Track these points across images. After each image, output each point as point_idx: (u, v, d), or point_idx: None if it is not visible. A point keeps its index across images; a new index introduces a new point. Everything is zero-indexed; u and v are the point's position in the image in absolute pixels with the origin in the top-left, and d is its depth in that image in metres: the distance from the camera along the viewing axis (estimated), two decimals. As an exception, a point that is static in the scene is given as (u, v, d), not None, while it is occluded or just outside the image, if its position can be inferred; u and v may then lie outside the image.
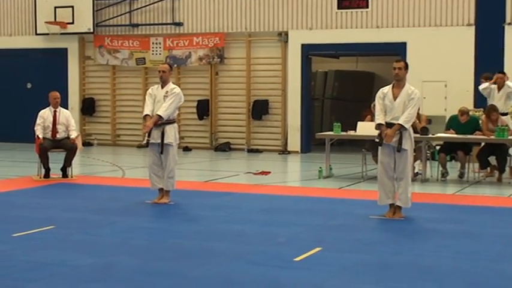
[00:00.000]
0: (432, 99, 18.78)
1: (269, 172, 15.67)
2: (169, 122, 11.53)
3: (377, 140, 10.47)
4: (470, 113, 15.62)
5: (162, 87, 11.60)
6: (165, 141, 11.44)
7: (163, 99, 11.46)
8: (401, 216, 10.36)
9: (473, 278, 7.32)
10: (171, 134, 11.50)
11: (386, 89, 10.42)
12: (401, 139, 10.23)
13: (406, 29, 19.43)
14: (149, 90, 11.81)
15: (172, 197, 11.76)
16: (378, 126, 10.36)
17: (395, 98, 10.27)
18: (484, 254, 8.23)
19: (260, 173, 15.63)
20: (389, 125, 10.28)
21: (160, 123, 11.42)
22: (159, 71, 11.72)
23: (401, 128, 10.20)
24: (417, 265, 7.73)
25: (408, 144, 10.29)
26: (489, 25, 18.74)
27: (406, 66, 10.40)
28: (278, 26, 20.72)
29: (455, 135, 14.66)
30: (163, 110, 11.37)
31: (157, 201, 11.59)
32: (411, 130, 10.42)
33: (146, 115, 11.56)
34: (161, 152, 11.46)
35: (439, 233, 9.47)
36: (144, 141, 11.78)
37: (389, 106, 10.30)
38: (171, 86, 11.64)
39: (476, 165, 15.03)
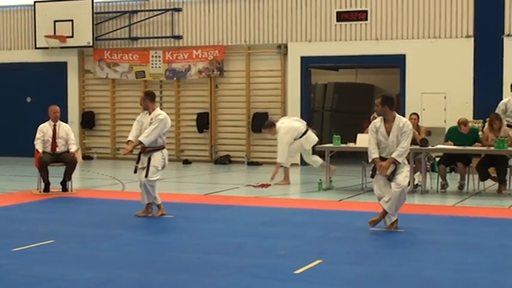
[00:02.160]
0: (431, 111, 18.80)
1: (269, 185, 15.66)
2: (157, 148, 11.60)
3: (370, 173, 10.54)
4: (470, 124, 15.62)
5: (149, 114, 11.67)
6: (151, 164, 11.49)
7: (149, 126, 11.54)
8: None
9: (474, 289, 7.31)
10: (158, 159, 11.55)
11: (379, 123, 10.40)
12: (395, 171, 10.26)
13: (405, 41, 19.47)
14: (138, 117, 11.89)
15: (172, 210, 11.76)
16: (372, 160, 10.40)
17: (388, 133, 10.28)
18: (484, 265, 8.21)
19: (260, 185, 15.62)
20: (384, 159, 10.33)
21: (149, 150, 11.50)
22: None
23: (395, 161, 10.22)
24: (418, 277, 7.71)
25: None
26: (488, 37, 18.78)
27: (384, 101, 10.31)
28: (277, 38, 20.76)
29: (455, 147, 14.64)
30: (144, 136, 11.40)
31: (142, 214, 11.64)
32: (405, 161, 10.44)
33: (129, 140, 11.63)
34: (146, 176, 11.47)
35: (439, 244, 9.45)
36: (134, 168, 11.81)
37: (384, 143, 10.31)
38: (157, 112, 11.67)
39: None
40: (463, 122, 14.97)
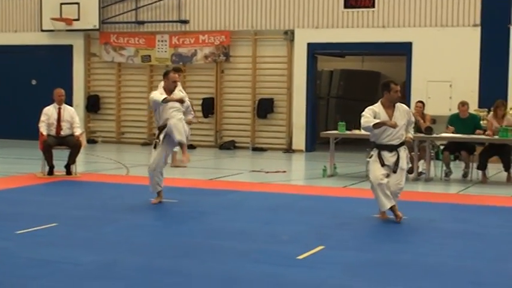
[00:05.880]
0: (437, 99, 18.77)
1: (284, 171, 15.73)
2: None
3: (371, 158, 10.28)
4: (475, 112, 15.59)
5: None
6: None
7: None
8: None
9: (476, 277, 7.30)
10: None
11: (378, 109, 10.21)
12: (398, 159, 10.14)
13: (412, 29, 19.42)
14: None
15: (176, 194, 11.78)
16: (376, 124, 10.15)
17: (390, 118, 10.14)
18: (487, 254, 8.21)
19: (275, 172, 15.63)
20: (384, 146, 10.13)
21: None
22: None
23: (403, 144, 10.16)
24: (420, 264, 7.71)
25: (405, 163, 10.24)
26: (495, 26, 18.73)
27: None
28: (284, 24, 20.71)
29: (459, 135, 14.61)
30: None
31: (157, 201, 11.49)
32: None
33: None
34: None
35: (442, 232, 9.46)
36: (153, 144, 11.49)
37: (390, 129, 10.08)
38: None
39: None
40: (462, 103, 14.96)
